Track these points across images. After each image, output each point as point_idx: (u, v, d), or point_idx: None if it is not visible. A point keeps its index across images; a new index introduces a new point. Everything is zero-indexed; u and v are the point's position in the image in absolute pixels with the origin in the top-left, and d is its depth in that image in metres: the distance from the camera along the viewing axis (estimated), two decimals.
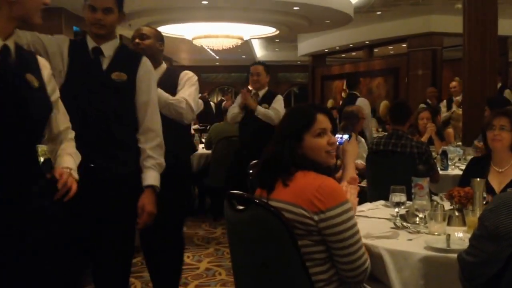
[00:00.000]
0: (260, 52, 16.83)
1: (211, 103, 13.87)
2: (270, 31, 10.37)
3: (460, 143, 6.24)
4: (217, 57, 15.54)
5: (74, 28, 7.91)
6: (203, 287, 3.94)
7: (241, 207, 1.92)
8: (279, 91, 18.79)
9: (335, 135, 2.10)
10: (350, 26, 10.43)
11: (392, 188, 2.52)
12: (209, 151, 6.04)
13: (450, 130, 6.65)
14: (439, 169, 4.39)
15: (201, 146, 6.52)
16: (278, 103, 5.02)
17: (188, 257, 4.63)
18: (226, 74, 20.07)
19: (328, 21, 9.64)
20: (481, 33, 6.07)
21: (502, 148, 2.98)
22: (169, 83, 3.08)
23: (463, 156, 5.01)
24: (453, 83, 8.37)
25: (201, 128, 8.34)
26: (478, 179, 2.54)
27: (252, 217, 1.89)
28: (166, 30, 9.53)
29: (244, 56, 16.63)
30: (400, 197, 2.47)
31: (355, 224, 1.88)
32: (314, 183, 1.86)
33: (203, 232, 5.54)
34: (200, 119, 8.66)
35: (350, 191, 2.13)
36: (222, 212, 2.11)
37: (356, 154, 2.46)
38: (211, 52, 12.75)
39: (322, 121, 1.98)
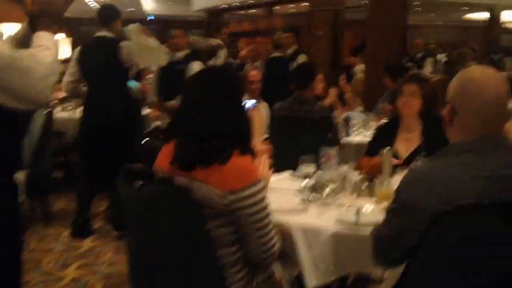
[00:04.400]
0: (150, 4, 16.19)
1: None
2: None
3: (361, 107, 6.47)
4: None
5: None
6: (86, 268, 3.76)
7: (140, 183, 1.83)
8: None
9: None
10: None
11: (301, 159, 2.52)
12: None
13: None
14: (343, 135, 4.51)
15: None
16: None
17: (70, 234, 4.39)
18: None
19: None
20: None
21: (412, 114, 3.15)
22: None
23: (366, 121, 5.18)
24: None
25: None
26: (386, 149, 2.61)
27: (156, 195, 1.80)
28: None
29: (132, 9, 15.94)
30: (309, 167, 2.47)
31: (267, 205, 1.88)
32: (231, 160, 1.82)
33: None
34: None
35: (263, 163, 2.10)
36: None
37: (262, 122, 2.43)
38: (92, 2, 11.90)
39: None
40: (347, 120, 4.84)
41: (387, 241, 1.69)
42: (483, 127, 1.59)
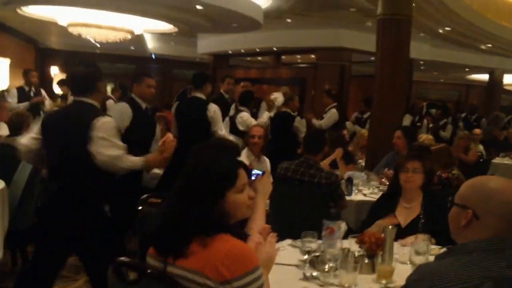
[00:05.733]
0: (152, 43, 16.14)
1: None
2: (166, 27, 9.90)
3: (361, 160, 6.58)
4: (98, 45, 14.45)
5: None
6: None
7: (133, 278, 1.82)
8: (174, 88, 17.99)
9: None
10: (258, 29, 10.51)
11: (303, 234, 2.58)
12: None
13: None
14: (345, 194, 4.58)
15: None
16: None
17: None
18: (109, 63, 18.78)
19: (235, 25, 9.54)
20: (394, 54, 6.44)
21: (414, 189, 3.40)
22: None
23: (367, 180, 5.28)
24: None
25: None
26: (390, 226, 2.69)
27: None
28: (34, 11, 8.82)
29: (132, 48, 15.89)
30: (311, 244, 2.52)
31: None
32: (223, 247, 1.81)
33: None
34: None
35: (270, 242, 2.11)
36: None
37: (268, 193, 2.46)
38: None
39: (243, 176, 1.99)
40: (349, 181, 4.91)
41: None
42: (504, 229, 1.67)
